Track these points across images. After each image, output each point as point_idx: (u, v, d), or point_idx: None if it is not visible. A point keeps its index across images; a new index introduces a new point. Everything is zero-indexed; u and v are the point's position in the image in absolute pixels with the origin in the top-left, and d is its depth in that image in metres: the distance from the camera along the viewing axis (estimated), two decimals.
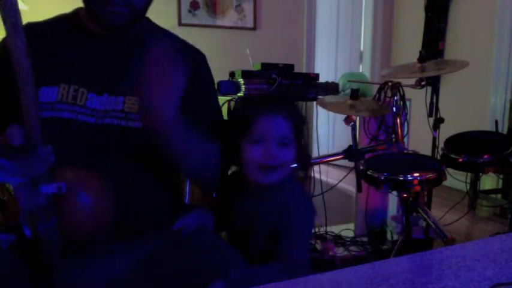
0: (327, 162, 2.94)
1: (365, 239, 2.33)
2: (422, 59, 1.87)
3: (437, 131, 2.17)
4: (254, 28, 3.81)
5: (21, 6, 2.76)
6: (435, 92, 2.17)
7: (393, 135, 1.95)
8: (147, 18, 1.01)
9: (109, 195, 0.78)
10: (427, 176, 1.52)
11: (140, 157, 0.89)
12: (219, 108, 1.10)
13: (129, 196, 0.86)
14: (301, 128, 0.98)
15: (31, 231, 0.71)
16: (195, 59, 1.02)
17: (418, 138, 2.61)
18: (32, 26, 0.93)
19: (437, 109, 2.18)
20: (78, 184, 0.75)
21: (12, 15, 0.64)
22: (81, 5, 0.95)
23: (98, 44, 0.91)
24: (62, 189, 0.70)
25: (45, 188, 0.69)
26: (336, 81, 2.22)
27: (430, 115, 2.19)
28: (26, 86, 0.68)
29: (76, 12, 0.95)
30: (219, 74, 1.87)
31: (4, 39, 0.81)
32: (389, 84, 1.93)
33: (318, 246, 2.18)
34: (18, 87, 0.68)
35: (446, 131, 2.03)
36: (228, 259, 0.89)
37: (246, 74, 1.92)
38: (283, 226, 0.91)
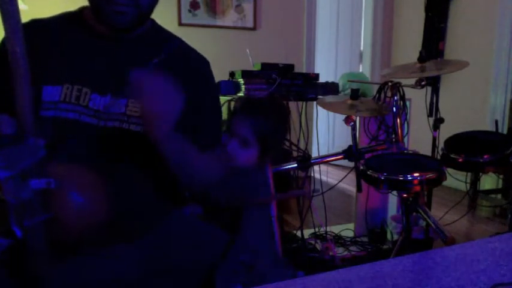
0: (327, 162, 2.95)
1: (365, 239, 2.33)
2: (422, 59, 1.86)
3: (437, 131, 2.17)
4: (254, 28, 3.81)
5: (21, 6, 2.77)
6: (435, 92, 2.17)
7: (393, 135, 1.95)
8: (153, 20, 1.00)
9: (102, 196, 0.77)
10: (427, 176, 1.51)
11: (140, 160, 0.89)
12: (220, 111, 1.10)
13: (127, 198, 0.86)
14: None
15: (21, 230, 0.69)
16: (197, 64, 1.01)
17: (418, 138, 2.61)
18: (37, 22, 0.92)
19: (437, 109, 2.18)
20: (70, 181, 0.74)
21: None
22: (81, 4, 0.95)
23: (103, 44, 0.91)
24: (52, 185, 0.68)
25: (34, 183, 0.67)
26: (336, 81, 2.22)
27: (430, 115, 2.19)
28: (20, 75, 0.66)
29: (81, 10, 0.95)
30: (219, 74, 1.87)
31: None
32: (389, 84, 1.93)
33: (318, 246, 2.18)
34: (12, 75, 0.66)
35: (446, 131, 2.03)
36: (224, 249, 0.92)
37: (246, 74, 1.92)
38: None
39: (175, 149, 0.84)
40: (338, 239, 2.32)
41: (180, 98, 0.78)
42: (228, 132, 1.18)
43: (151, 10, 0.92)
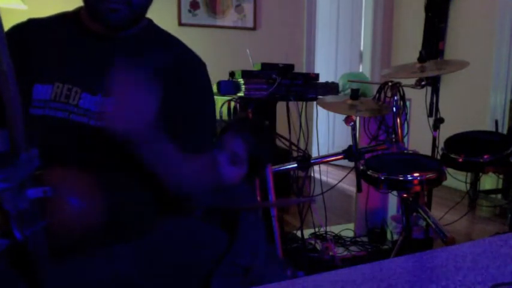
0: (327, 162, 2.95)
1: (365, 239, 2.33)
2: (422, 59, 1.87)
3: (437, 131, 2.17)
4: (254, 28, 3.81)
5: (21, 6, 2.76)
6: (435, 92, 2.17)
7: (393, 135, 1.95)
8: (150, 20, 1.00)
9: (98, 198, 0.77)
10: (427, 176, 1.51)
11: (130, 159, 0.89)
12: (214, 117, 1.07)
13: (118, 198, 0.85)
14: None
15: (22, 236, 0.70)
16: (192, 67, 1.00)
17: (418, 138, 2.61)
18: (33, 22, 0.93)
19: (437, 109, 2.18)
20: (66, 186, 0.74)
21: None
22: (81, 4, 0.95)
23: (97, 43, 0.91)
24: (48, 193, 0.68)
25: (31, 192, 0.67)
26: (336, 81, 2.22)
27: (430, 115, 2.19)
28: (9, 87, 0.66)
29: (77, 11, 0.95)
30: (219, 74, 1.88)
31: None
32: (390, 84, 1.93)
33: (318, 246, 2.18)
34: (1, 88, 0.67)
35: (446, 131, 2.03)
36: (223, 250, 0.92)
37: (246, 74, 1.92)
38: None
39: (154, 150, 0.82)
40: (338, 239, 2.32)
41: (154, 98, 0.76)
42: (220, 146, 1.14)
43: (145, 8, 0.92)
